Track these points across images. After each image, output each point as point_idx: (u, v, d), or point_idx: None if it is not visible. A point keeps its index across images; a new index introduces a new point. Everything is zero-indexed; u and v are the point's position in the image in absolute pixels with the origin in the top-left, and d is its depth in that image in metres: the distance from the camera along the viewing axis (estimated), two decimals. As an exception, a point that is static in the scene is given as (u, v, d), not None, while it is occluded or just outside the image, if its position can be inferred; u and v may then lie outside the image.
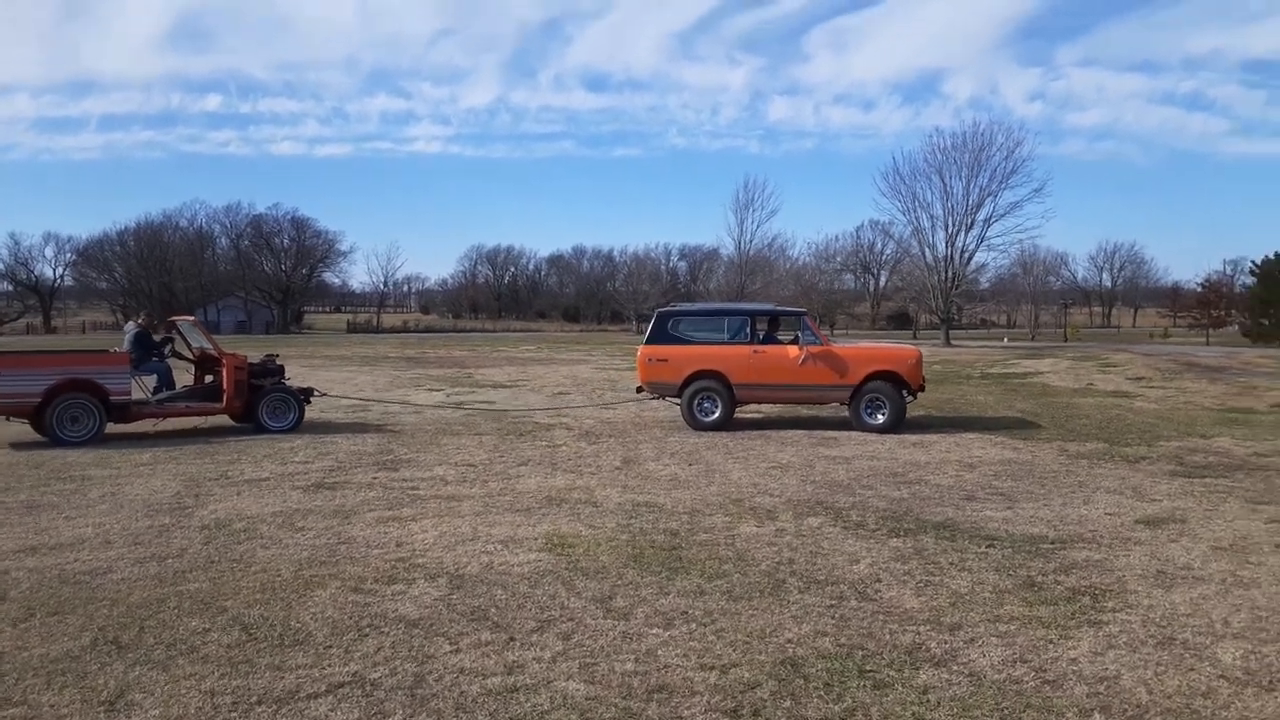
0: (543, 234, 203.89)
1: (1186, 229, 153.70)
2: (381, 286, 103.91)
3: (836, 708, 3.98)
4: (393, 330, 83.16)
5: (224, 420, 13.32)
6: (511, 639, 4.79)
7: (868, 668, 4.42)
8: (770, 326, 14.38)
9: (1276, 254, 51.53)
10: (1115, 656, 4.59)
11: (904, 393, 13.26)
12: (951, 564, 6.23)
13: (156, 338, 13.52)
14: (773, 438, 12.55)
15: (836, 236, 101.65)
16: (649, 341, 13.84)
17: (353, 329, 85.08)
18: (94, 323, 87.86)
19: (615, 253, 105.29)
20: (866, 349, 14.63)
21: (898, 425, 12.98)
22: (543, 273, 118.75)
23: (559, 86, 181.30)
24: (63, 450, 10.99)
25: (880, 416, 13.06)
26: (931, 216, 49.88)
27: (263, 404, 12.76)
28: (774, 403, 14.67)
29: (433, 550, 6.52)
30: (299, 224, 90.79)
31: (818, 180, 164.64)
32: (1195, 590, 5.69)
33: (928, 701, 4.05)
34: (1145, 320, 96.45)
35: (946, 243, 49.84)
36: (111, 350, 13.02)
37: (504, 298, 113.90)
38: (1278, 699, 4.08)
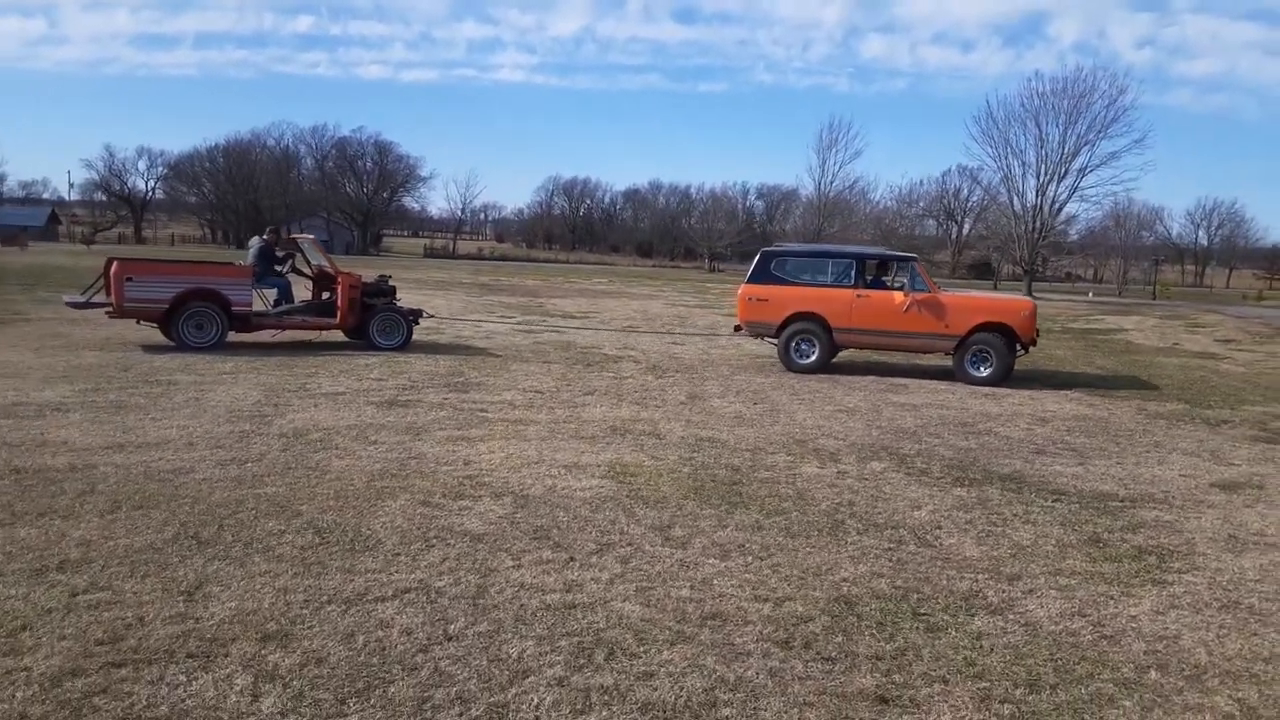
0: (621, 167, 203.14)
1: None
2: (459, 213, 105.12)
3: (888, 646, 4.01)
4: (467, 257, 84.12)
5: (313, 336, 13.78)
6: (571, 559, 4.91)
7: (922, 610, 4.44)
8: (879, 271, 13.99)
9: (1391, 218, 48.74)
10: (1177, 617, 4.53)
11: (1016, 346, 12.89)
12: (1015, 516, 6.17)
13: (280, 253, 14.07)
14: (841, 382, 12.46)
15: (922, 181, 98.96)
16: (750, 280, 13.72)
17: (429, 254, 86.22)
18: (183, 236, 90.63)
19: (692, 189, 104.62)
20: (975, 298, 14.24)
21: (1003, 379, 12.62)
22: (618, 206, 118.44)
23: (647, 17, 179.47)
24: (150, 355, 11.45)
25: (985, 369, 12.72)
26: (1023, 164, 48.36)
27: (374, 322, 13.25)
28: (875, 349, 14.32)
29: (499, 470, 6.68)
30: (382, 148, 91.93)
31: (907, 122, 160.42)
32: (1266, 557, 5.55)
33: (980, 647, 4.06)
34: (1240, 281, 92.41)
35: (1037, 191, 48.32)
36: (236, 263, 13.59)
37: (578, 230, 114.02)
38: (1345, 670, 3.99)
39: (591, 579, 4.64)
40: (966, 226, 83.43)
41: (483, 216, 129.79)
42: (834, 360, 13.55)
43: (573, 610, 4.23)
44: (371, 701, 3.35)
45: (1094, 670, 3.89)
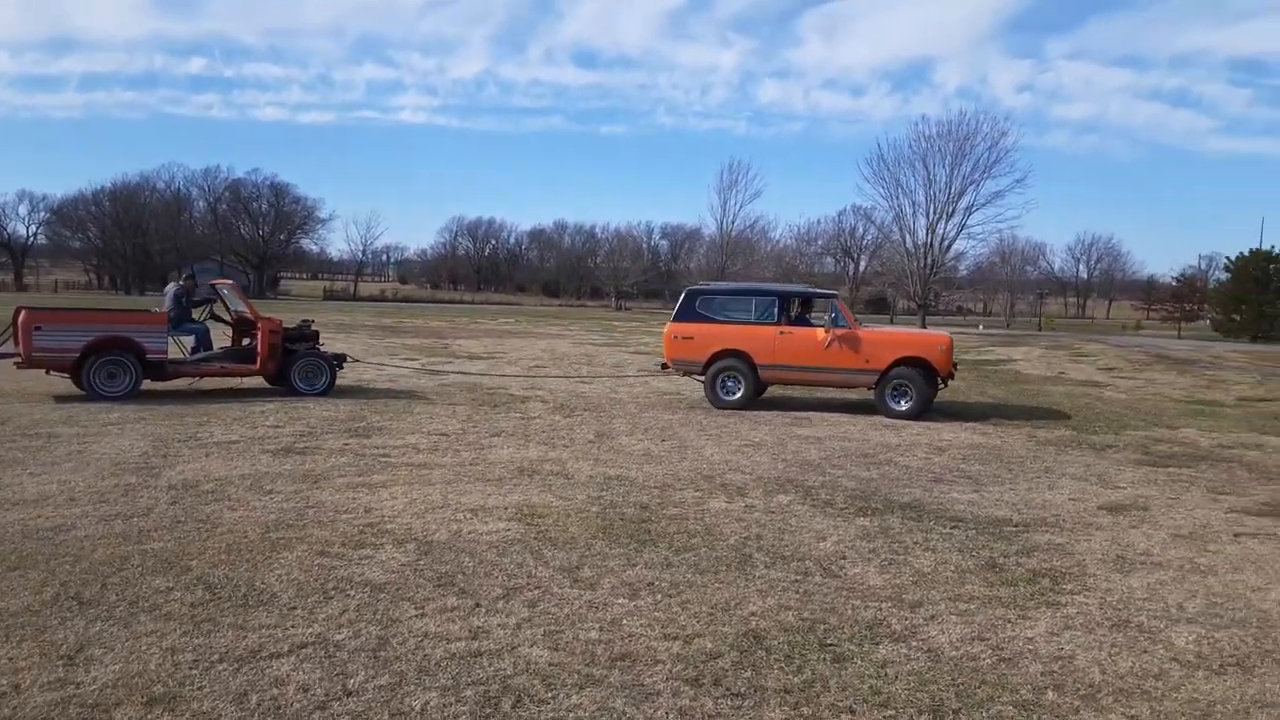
0: (525, 208, 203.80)
1: (1164, 224, 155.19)
2: (360, 255, 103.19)
3: (796, 679, 4.03)
4: (370, 299, 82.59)
5: (235, 383, 13.51)
6: (477, 605, 4.81)
7: (829, 641, 4.48)
8: (803, 308, 14.26)
9: (1251, 251, 52.16)
10: (1071, 637, 4.67)
11: (937, 380, 13.14)
12: (916, 543, 6.31)
13: (197, 299, 13.79)
14: (747, 416, 12.61)
15: (819, 220, 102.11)
16: (676, 319, 13.86)
17: (329, 296, 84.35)
18: (67, 281, 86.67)
19: (597, 229, 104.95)
20: (894, 333, 14.51)
21: (923, 413, 12.82)
22: (523, 246, 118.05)
23: (549, 61, 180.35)
24: (31, 406, 10.87)
25: (905, 403, 12.89)
26: (913, 203, 50.15)
27: (296, 368, 13.05)
28: (799, 384, 14.53)
29: (401, 517, 6.52)
30: (278, 190, 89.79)
31: (804, 164, 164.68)
32: (1153, 576, 5.79)
33: (886, 675, 4.11)
34: (1119, 312, 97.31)
35: (927, 229, 50.12)
36: (151, 310, 13.35)
37: (484, 270, 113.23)
38: (1227, 682, 4.18)
39: (498, 625, 4.54)
40: (863, 263, 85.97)
41: (385, 258, 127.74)
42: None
43: (479, 658, 4.13)
44: (265, 764, 3.19)
45: (994, 693, 3.98)
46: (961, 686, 4.03)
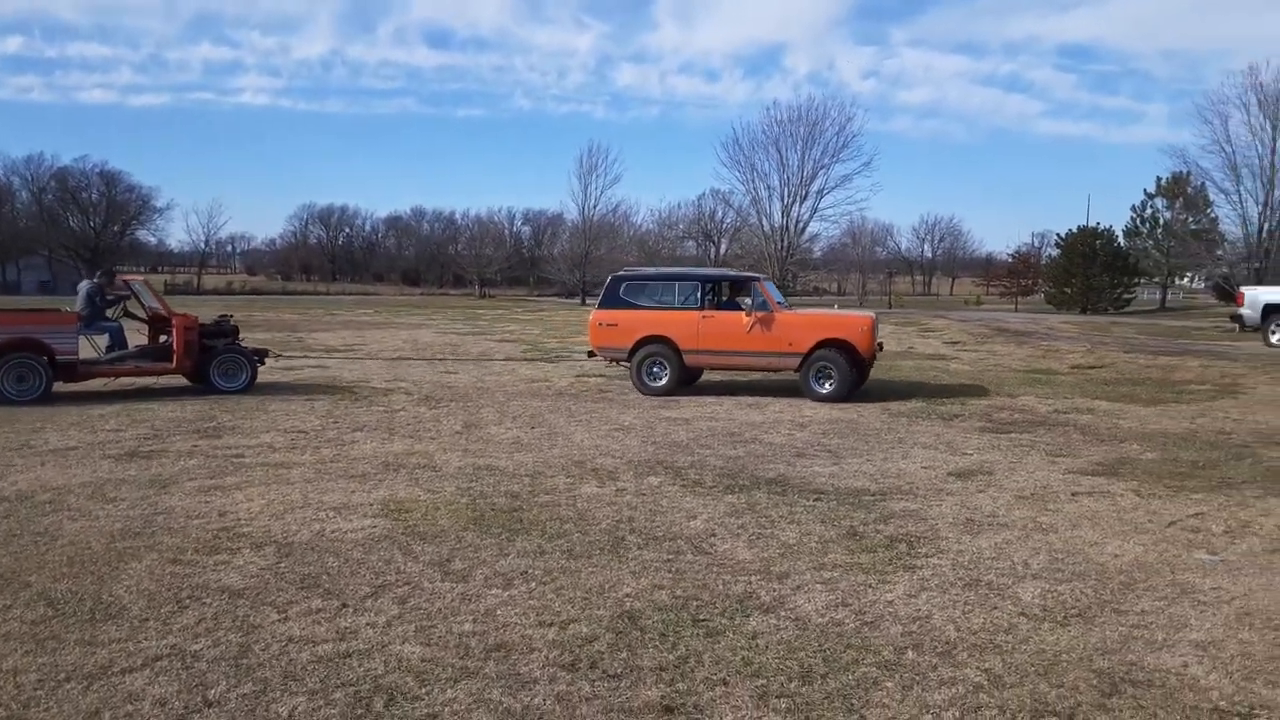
0: (380, 194, 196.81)
1: (1001, 203, 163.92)
2: (202, 246, 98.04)
3: (671, 656, 4.09)
4: (215, 292, 78.71)
5: (151, 382, 13.11)
6: (344, 605, 4.67)
7: (701, 617, 4.57)
8: (734, 292, 14.14)
9: (1079, 228, 55.80)
10: (927, 598, 4.92)
11: (862, 362, 13.04)
12: (781, 517, 6.50)
13: (110, 296, 13.12)
14: (616, 400, 12.68)
15: (679, 204, 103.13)
16: (601, 306, 13.74)
17: (170, 290, 79.76)
18: None
19: (457, 215, 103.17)
20: (816, 315, 14.39)
21: (847, 395, 12.73)
22: (380, 234, 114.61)
23: (400, 41, 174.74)
24: None
25: (828, 385, 12.80)
26: (769, 187, 51.60)
27: (215, 364, 12.75)
28: (723, 369, 14.42)
29: (259, 519, 6.25)
30: (109, 178, 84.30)
31: (662, 148, 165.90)
32: (1000, 536, 6.15)
33: (756, 646, 4.22)
34: (961, 289, 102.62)
35: (782, 213, 51.68)
36: (61, 310, 12.86)
37: (338, 260, 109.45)
38: (1071, 632, 4.48)
39: (367, 624, 4.43)
40: (724, 247, 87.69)
41: (230, 248, 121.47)
42: (606, 379, 13.75)
43: (347, 659, 4.02)
44: (120, 787, 3.02)
45: (859, 656, 4.15)
46: (828, 652, 4.18)
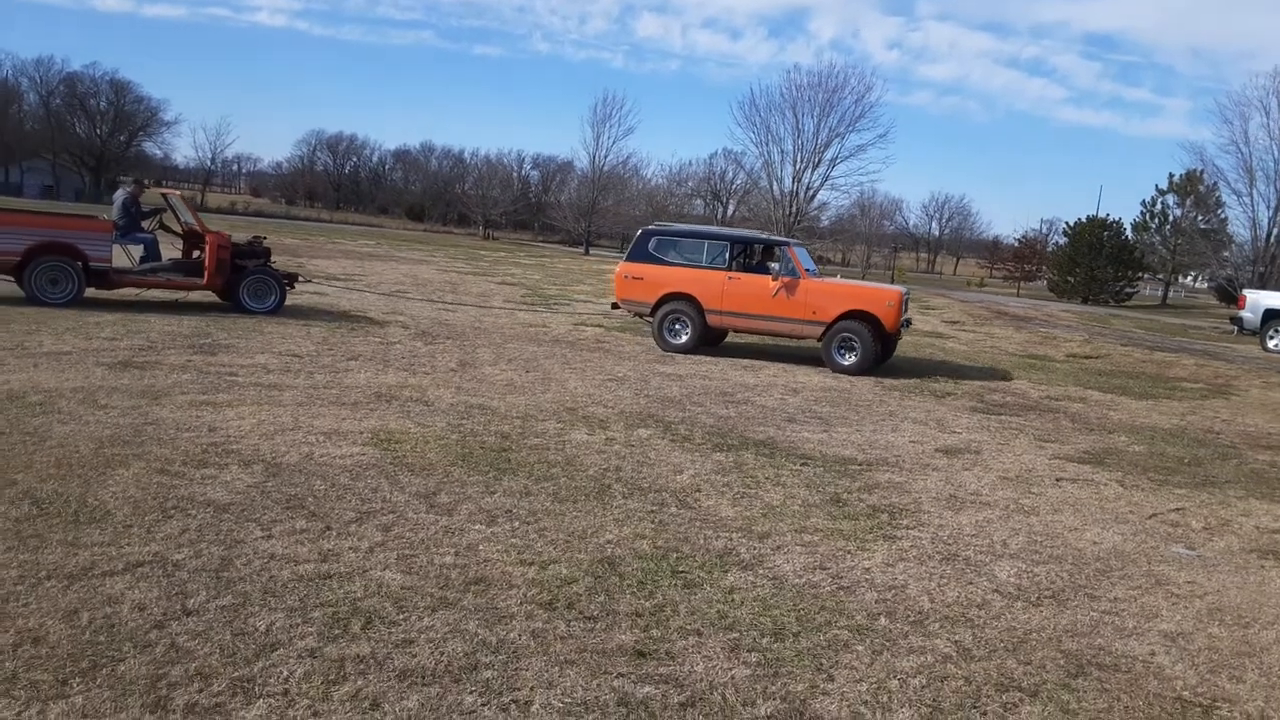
0: (390, 126, 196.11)
1: (1012, 187, 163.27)
2: (208, 163, 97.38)
3: (647, 603, 4.14)
4: (219, 210, 78.17)
5: (180, 296, 13.42)
6: (328, 528, 4.70)
7: (680, 569, 4.61)
8: (765, 255, 13.79)
9: (1088, 217, 55.52)
10: (904, 568, 4.96)
11: (888, 336, 12.79)
12: (767, 479, 6.54)
13: (146, 208, 13.33)
14: (611, 352, 12.68)
15: (690, 162, 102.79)
16: (629, 259, 13.65)
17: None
18: None
19: (466, 154, 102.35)
20: (844, 285, 13.91)
21: (869, 368, 12.54)
22: (387, 166, 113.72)
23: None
24: None
25: (850, 358, 12.58)
26: (782, 151, 51.08)
27: (244, 284, 12.87)
28: (746, 331, 14.15)
29: (249, 437, 6.28)
30: (119, 87, 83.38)
31: (678, 104, 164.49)
32: (981, 514, 6.19)
33: (733, 600, 4.27)
34: (965, 269, 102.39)
35: (793, 178, 51.25)
36: (99, 217, 12.94)
37: (344, 189, 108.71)
38: (1043, 612, 4.53)
39: (350, 548, 4.46)
40: (731, 207, 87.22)
41: (236, 168, 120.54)
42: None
43: (328, 580, 4.06)
44: (98, 681, 3.06)
45: (832, 618, 4.19)
46: (802, 612, 4.23)
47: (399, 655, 3.45)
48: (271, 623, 3.60)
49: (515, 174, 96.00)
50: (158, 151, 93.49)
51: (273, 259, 13.86)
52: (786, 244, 13.70)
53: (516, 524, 5.05)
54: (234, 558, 4.20)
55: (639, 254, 13.64)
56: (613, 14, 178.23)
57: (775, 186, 52.36)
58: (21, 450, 5.46)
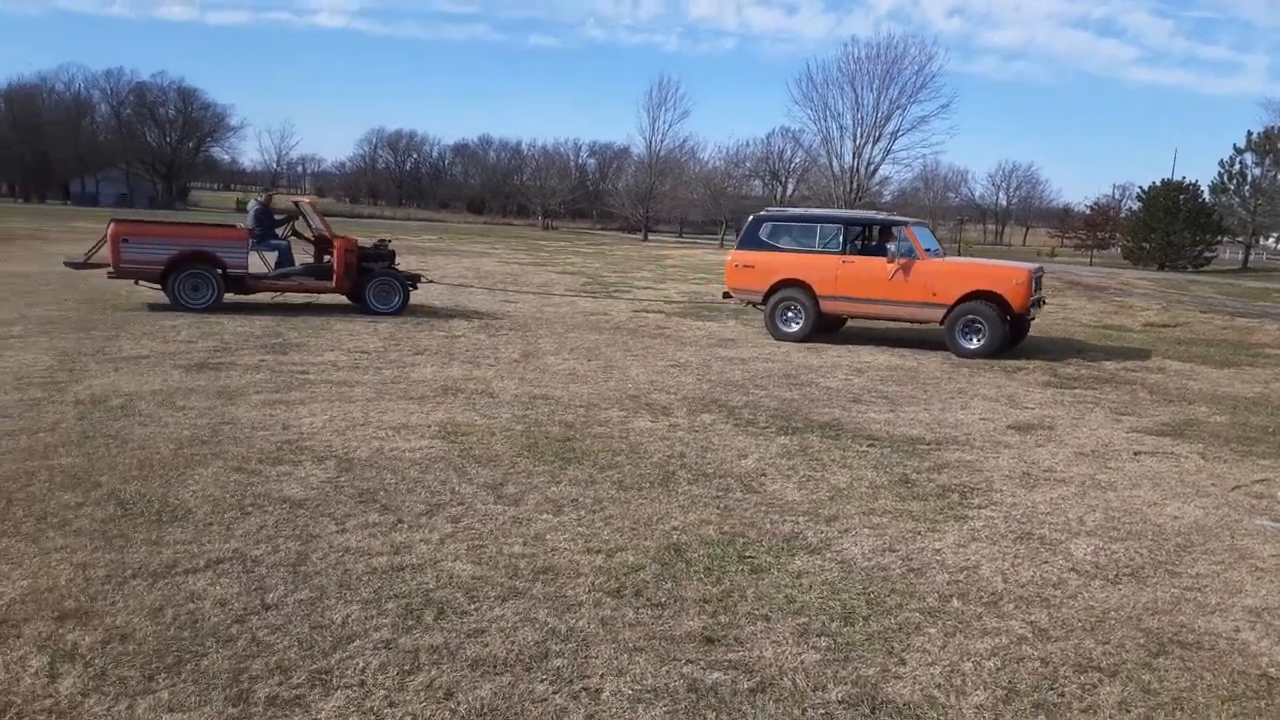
0: (448, 121, 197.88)
1: (1083, 153, 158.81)
2: (274, 166, 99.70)
3: (715, 589, 4.14)
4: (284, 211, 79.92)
5: (311, 298, 14.13)
6: (400, 521, 4.80)
7: (747, 554, 4.60)
8: (884, 236, 13.22)
9: (1163, 181, 53.74)
10: (976, 549, 4.88)
11: (1020, 317, 12.29)
12: (834, 461, 6.47)
13: (278, 216, 14.04)
14: (673, 337, 12.68)
15: (748, 142, 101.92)
16: (740, 246, 13.49)
17: (241, 207, 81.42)
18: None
19: (523, 145, 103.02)
20: (966, 264, 13.43)
21: (996, 352, 11.93)
22: (447, 161, 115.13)
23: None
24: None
25: (976, 341, 11.99)
26: (841, 127, 50.38)
27: (370, 286, 13.37)
28: (862, 316, 13.58)
29: (321, 434, 6.42)
30: (186, 94, 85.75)
31: (734, 83, 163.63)
32: (1055, 491, 6.05)
33: (800, 585, 4.25)
34: (1035, 239, 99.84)
35: (854, 153, 50.53)
36: (236, 226, 13.70)
37: (405, 185, 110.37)
38: (1121, 591, 4.42)
39: (421, 540, 4.55)
40: (790, 187, 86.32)
41: (300, 169, 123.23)
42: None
43: (400, 572, 4.14)
44: (183, 676, 3.17)
45: (902, 601, 4.15)
46: (872, 595, 4.19)
47: (471, 645, 3.51)
48: (347, 615, 3.69)
49: (572, 163, 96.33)
50: (225, 156, 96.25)
51: (397, 261, 14.36)
52: (905, 223, 13.12)
53: (583, 513, 5.09)
54: (310, 552, 4.31)
55: (750, 240, 13.34)
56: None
57: (835, 163, 51.72)
58: (105, 453, 5.67)
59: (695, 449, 6.60)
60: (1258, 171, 53.43)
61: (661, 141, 66.73)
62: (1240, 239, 58.07)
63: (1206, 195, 53.57)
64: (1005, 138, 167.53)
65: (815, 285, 12.75)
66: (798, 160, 74.97)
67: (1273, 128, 49.37)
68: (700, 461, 6.27)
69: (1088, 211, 74.30)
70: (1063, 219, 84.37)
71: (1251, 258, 59.65)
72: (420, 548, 4.45)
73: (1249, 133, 53.36)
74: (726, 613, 3.91)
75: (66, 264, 13.70)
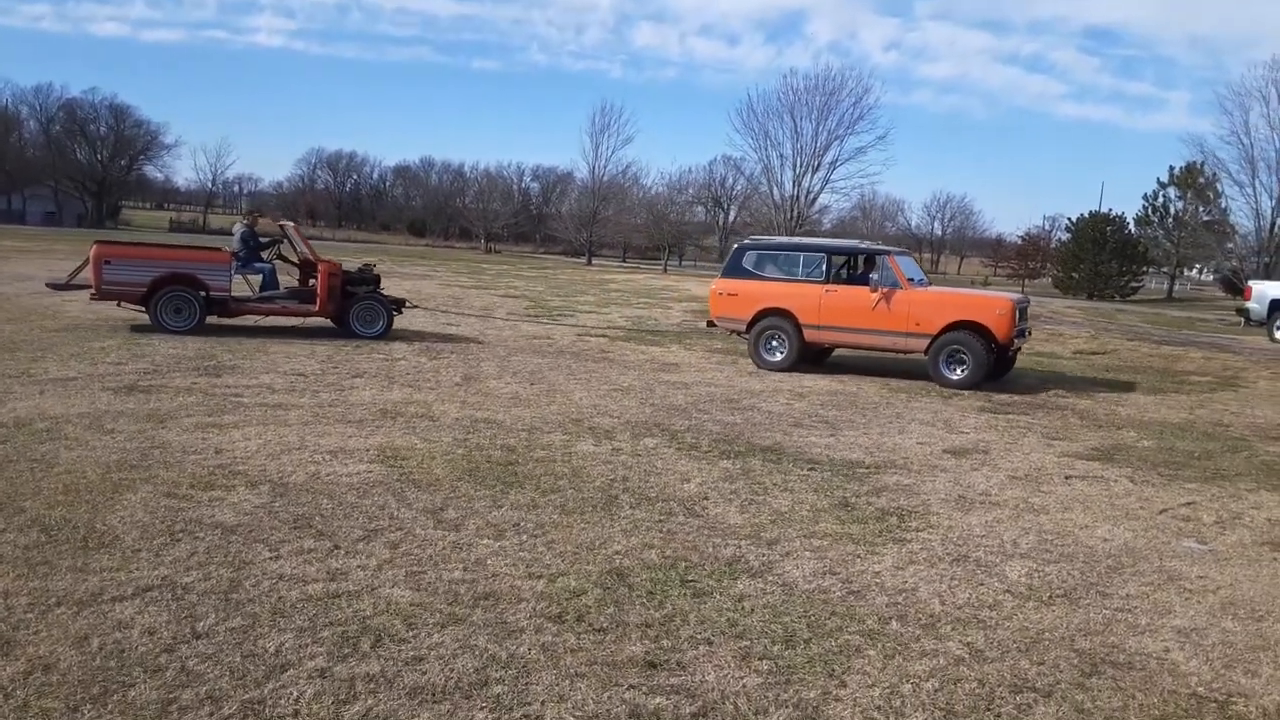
0: (390, 142, 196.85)
1: (1014, 185, 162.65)
2: (210, 185, 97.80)
3: (657, 614, 4.13)
4: (222, 232, 78.41)
5: (298, 322, 13.88)
6: (336, 547, 4.70)
7: (689, 578, 4.60)
8: (868, 266, 13.09)
9: (1091, 213, 55.47)
10: (914, 571, 4.94)
11: (1002, 348, 12.15)
12: (775, 484, 6.52)
13: (264, 239, 13.99)
14: (616, 361, 12.68)
15: (690, 169, 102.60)
16: (724, 275, 13.41)
17: (176, 227, 79.64)
18: (-126, 204, 78.78)
19: (466, 167, 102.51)
20: (949, 294, 13.48)
21: (979, 383, 11.85)
22: (388, 183, 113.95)
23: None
24: None
25: (960, 371, 11.93)
26: (781, 155, 51.19)
27: (354, 310, 13.37)
28: (846, 346, 13.53)
29: (255, 458, 6.28)
30: (118, 111, 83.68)
31: (676, 111, 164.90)
32: (990, 514, 6.17)
33: (742, 608, 4.26)
34: (969, 269, 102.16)
35: (793, 182, 51.34)
36: (220, 249, 13.69)
37: (345, 206, 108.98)
38: (1054, 612, 4.51)
39: (358, 566, 4.46)
40: (733, 214, 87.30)
41: (237, 188, 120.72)
42: (608, 339, 13.58)
43: (336, 599, 4.05)
44: (109, 707, 3.06)
45: (843, 624, 4.18)
46: (813, 618, 4.21)
47: (409, 673, 3.45)
48: (281, 643, 3.60)
49: (515, 186, 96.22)
50: (159, 175, 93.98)
51: (381, 285, 14.25)
52: (887, 253, 13.08)
53: (524, 537, 5.05)
54: (242, 579, 4.20)
55: (734, 269, 13.30)
56: (609, 24, 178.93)
57: (776, 191, 52.49)
58: (29, 477, 5.47)
59: (638, 473, 6.59)
60: (1180, 205, 55.51)
61: (605, 167, 66.98)
62: (1165, 270, 60.19)
63: (1132, 227, 55.47)
64: (940, 169, 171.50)
65: (799, 314, 12.70)
66: (739, 188, 75.90)
67: (1194, 163, 51.37)
68: (643, 485, 6.27)
69: (1019, 242, 76.27)
70: (995, 249, 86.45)
71: (1176, 288, 61.82)
72: (357, 574, 4.36)
73: (1171, 168, 55.52)
74: (669, 637, 3.90)
75: (49, 285, 13.47)
